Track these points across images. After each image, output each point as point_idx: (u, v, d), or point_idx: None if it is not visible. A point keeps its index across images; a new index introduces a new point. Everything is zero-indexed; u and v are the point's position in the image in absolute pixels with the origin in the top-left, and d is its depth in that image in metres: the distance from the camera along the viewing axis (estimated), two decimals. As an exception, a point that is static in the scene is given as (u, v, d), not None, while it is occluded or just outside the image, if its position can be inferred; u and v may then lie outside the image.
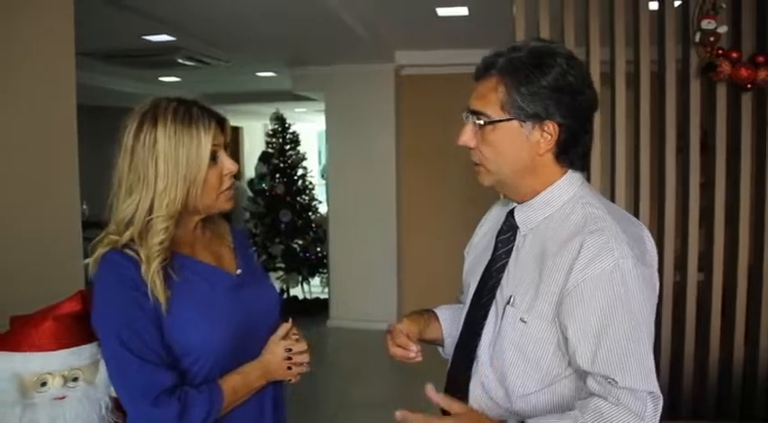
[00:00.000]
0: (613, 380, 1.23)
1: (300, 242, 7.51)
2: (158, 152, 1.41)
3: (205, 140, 1.44)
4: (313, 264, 7.53)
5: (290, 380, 1.60)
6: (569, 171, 1.39)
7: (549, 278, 1.30)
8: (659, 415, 1.28)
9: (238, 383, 1.47)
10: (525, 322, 1.32)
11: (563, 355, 1.31)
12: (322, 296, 7.35)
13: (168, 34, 5.09)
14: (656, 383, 1.27)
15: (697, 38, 2.89)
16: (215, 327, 1.46)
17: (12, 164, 2.45)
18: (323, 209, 7.70)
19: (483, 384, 1.41)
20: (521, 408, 1.36)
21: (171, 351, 1.42)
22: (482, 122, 1.35)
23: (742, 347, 2.98)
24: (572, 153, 1.37)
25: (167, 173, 1.41)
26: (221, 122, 1.51)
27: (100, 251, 1.42)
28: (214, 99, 9.40)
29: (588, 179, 3.03)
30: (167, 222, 1.42)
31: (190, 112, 1.45)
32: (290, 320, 1.60)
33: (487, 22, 4.69)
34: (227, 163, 1.50)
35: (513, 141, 1.35)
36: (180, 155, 1.41)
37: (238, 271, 1.61)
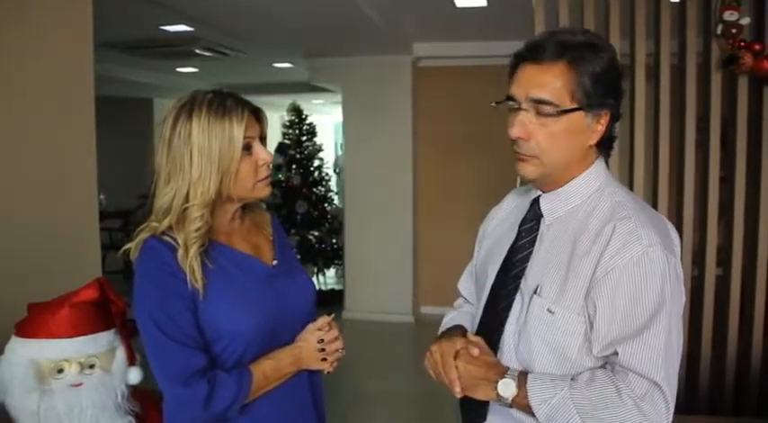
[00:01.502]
0: (627, 366, 1.24)
1: (316, 233, 7.53)
2: (193, 143, 1.44)
3: (237, 132, 1.46)
4: (328, 255, 7.54)
5: (327, 372, 1.64)
6: (599, 159, 1.37)
7: (578, 268, 1.28)
8: (665, 412, 1.27)
9: (269, 368, 1.50)
10: (553, 313, 1.30)
11: (590, 346, 1.29)
12: (337, 287, 7.36)
13: (186, 25, 5.10)
14: (670, 378, 1.26)
15: (719, 30, 2.84)
16: (247, 316, 1.49)
17: (31, 155, 2.47)
18: (339, 200, 7.70)
19: None
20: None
21: (203, 335, 1.46)
22: (551, 112, 1.27)
23: (761, 342, 2.94)
24: (610, 142, 1.37)
25: (201, 163, 1.45)
26: (256, 113, 1.53)
27: (141, 237, 1.47)
28: (231, 90, 9.41)
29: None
30: (202, 210, 1.46)
31: (224, 103, 1.47)
32: (332, 315, 1.64)
33: (506, 13, 4.65)
34: (261, 153, 1.52)
35: (576, 132, 1.30)
36: (213, 146, 1.45)
37: (274, 262, 1.64)
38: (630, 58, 3.01)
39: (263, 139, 1.55)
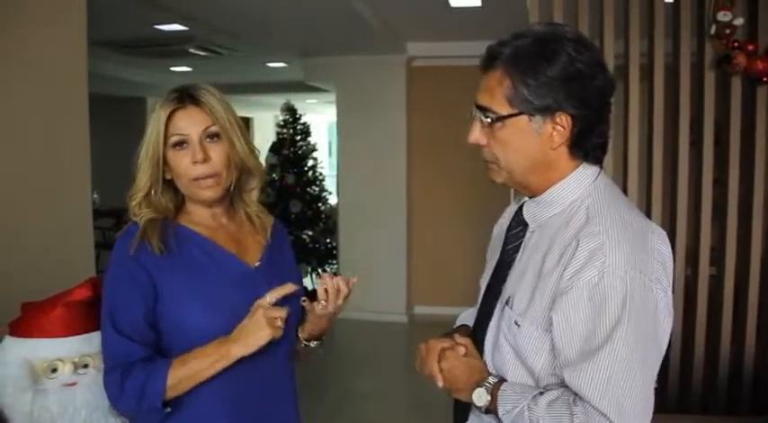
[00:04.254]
0: (575, 391, 1.20)
1: (310, 233, 7.52)
2: (146, 134, 1.51)
3: (162, 123, 1.49)
4: (322, 254, 7.54)
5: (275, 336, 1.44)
6: (582, 165, 1.30)
7: (545, 282, 1.24)
8: None
9: (190, 354, 1.43)
10: (519, 326, 1.27)
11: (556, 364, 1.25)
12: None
13: (180, 24, 5.08)
14: (622, 407, 1.16)
15: (712, 30, 2.86)
16: (210, 312, 1.47)
17: (24, 153, 2.46)
18: (333, 200, 7.70)
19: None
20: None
21: (157, 324, 1.48)
22: (489, 120, 1.27)
23: (753, 341, 2.96)
24: (586, 144, 1.27)
25: (143, 151, 1.51)
26: (203, 107, 1.51)
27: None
28: (225, 89, 9.32)
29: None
30: (139, 196, 1.52)
31: (170, 96, 1.51)
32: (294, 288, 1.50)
33: (501, 13, 4.66)
34: (197, 154, 1.48)
35: (524, 137, 1.26)
36: (150, 135, 1.50)
37: (257, 264, 1.60)
38: (624, 59, 3.02)
39: (215, 136, 1.51)
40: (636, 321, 1.17)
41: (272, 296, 1.44)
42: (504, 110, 1.26)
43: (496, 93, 1.26)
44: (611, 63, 2.97)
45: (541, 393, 1.24)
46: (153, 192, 1.52)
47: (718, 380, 3.02)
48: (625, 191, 3.03)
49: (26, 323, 1.63)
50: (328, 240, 7.56)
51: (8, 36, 2.37)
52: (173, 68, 7.78)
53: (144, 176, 1.51)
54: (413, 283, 6.75)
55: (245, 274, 1.57)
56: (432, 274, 6.66)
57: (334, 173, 7.07)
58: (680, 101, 2.99)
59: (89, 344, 1.65)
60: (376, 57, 6.31)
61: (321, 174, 7.77)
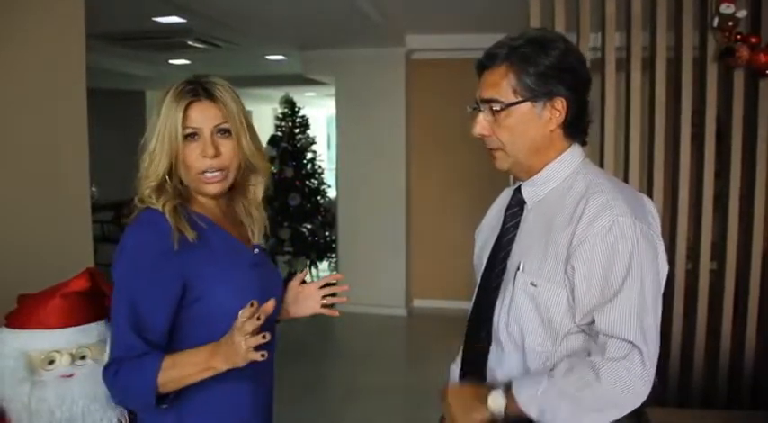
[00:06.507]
0: (604, 330, 1.34)
1: (309, 226, 7.51)
2: (159, 120, 1.50)
3: (179, 115, 1.49)
4: (321, 248, 7.53)
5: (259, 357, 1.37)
6: (573, 146, 1.51)
7: (557, 241, 1.40)
8: (639, 373, 1.32)
9: (181, 356, 1.43)
10: (536, 285, 1.42)
11: (573, 314, 1.40)
12: (330, 280, 7.34)
13: (179, 16, 5.06)
14: (647, 338, 1.33)
15: (715, 23, 2.84)
16: (240, 294, 1.46)
17: (21, 147, 2.45)
18: (332, 193, 7.68)
19: (501, 349, 1.49)
20: (537, 368, 1.44)
21: (179, 313, 1.48)
22: (498, 108, 1.45)
23: (754, 336, 2.95)
24: (578, 126, 1.49)
25: (156, 140, 1.50)
26: (216, 102, 1.52)
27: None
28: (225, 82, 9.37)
29: (601, 165, 3.01)
30: (152, 185, 1.51)
31: (185, 88, 1.51)
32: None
33: (500, 5, 4.64)
34: (208, 149, 1.50)
35: (528, 122, 1.45)
36: (166, 125, 1.49)
37: (255, 250, 1.66)
38: (626, 51, 3.00)
39: (226, 132, 1.54)
40: (645, 261, 1.35)
41: (250, 322, 1.33)
42: (510, 99, 1.44)
43: (502, 85, 1.44)
44: (612, 56, 2.96)
45: (551, 370, 1.38)
46: (167, 180, 1.52)
47: (719, 375, 3.01)
48: (627, 184, 3.01)
49: (23, 314, 1.62)
50: (327, 233, 7.54)
51: (2, 29, 2.35)
52: (172, 61, 7.75)
53: (159, 165, 1.50)
54: (412, 277, 6.74)
55: (252, 258, 1.63)
56: (431, 267, 6.66)
57: (333, 166, 7.04)
58: (681, 94, 2.97)
59: (87, 335, 1.65)
60: (375, 50, 6.29)
61: (320, 167, 7.75)
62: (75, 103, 2.71)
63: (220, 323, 1.41)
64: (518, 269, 1.46)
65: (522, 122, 1.45)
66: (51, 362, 1.61)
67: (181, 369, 1.41)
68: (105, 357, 1.66)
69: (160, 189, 1.51)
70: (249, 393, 1.60)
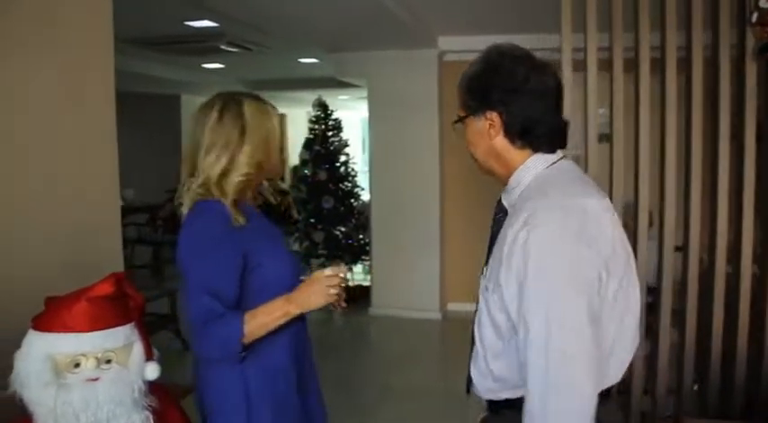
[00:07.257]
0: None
1: (343, 229, 7.51)
2: (246, 122, 1.82)
3: (277, 121, 1.92)
4: (355, 251, 7.52)
5: (335, 307, 1.87)
6: (536, 155, 1.54)
7: (500, 245, 1.47)
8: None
9: (259, 311, 1.73)
10: (488, 290, 1.51)
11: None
12: (364, 283, 7.32)
13: (211, 20, 5.10)
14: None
15: (754, 18, 2.75)
16: (288, 268, 1.88)
17: (51, 152, 2.48)
18: (365, 196, 7.67)
19: (476, 349, 1.61)
20: (498, 370, 1.54)
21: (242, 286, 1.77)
22: (457, 124, 1.62)
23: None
24: (526, 137, 1.52)
25: (252, 138, 1.82)
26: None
27: (191, 197, 1.80)
28: (257, 86, 9.45)
29: (636, 169, 2.94)
30: (241, 176, 1.81)
31: (271, 106, 1.93)
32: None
33: (533, 6, 4.59)
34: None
35: (475, 134, 1.58)
36: (263, 126, 1.85)
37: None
38: (661, 51, 2.93)
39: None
40: (552, 263, 1.37)
41: (332, 271, 1.82)
42: (461, 114, 1.61)
43: (459, 102, 1.61)
44: (647, 56, 2.89)
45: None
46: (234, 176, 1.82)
47: (735, 385, 2.91)
48: (662, 187, 2.95)
49: (48, 317, 1.63)
50: (361, 236, 7.53)
51: (30, 34, 2.38)
52: (205, 65, 7.83)
53: (251, 161, 1.82)
54: (446, 281, 6.69)
55: (280, 236, 1.97)
56: (465, 270, 6.58)
57: (367, 169, 7.04)
58: (720, 93, 2.89)
59: (113, 339, 1.65)
60: (407, 52, 6.27)
61: (353, 170, 7.74)
62: (104, 108, 2.73)
63: (275, 290, 1.77)
64: (482, 273, 1.60)
65: (472, 135, 1.59)
66: (77, 365, 1.61)
67: (261, 317, 1.72)
68: (131, 362, 1.67)
69: (220, 183, 1.79)
70: (289, 346, 1.89)
